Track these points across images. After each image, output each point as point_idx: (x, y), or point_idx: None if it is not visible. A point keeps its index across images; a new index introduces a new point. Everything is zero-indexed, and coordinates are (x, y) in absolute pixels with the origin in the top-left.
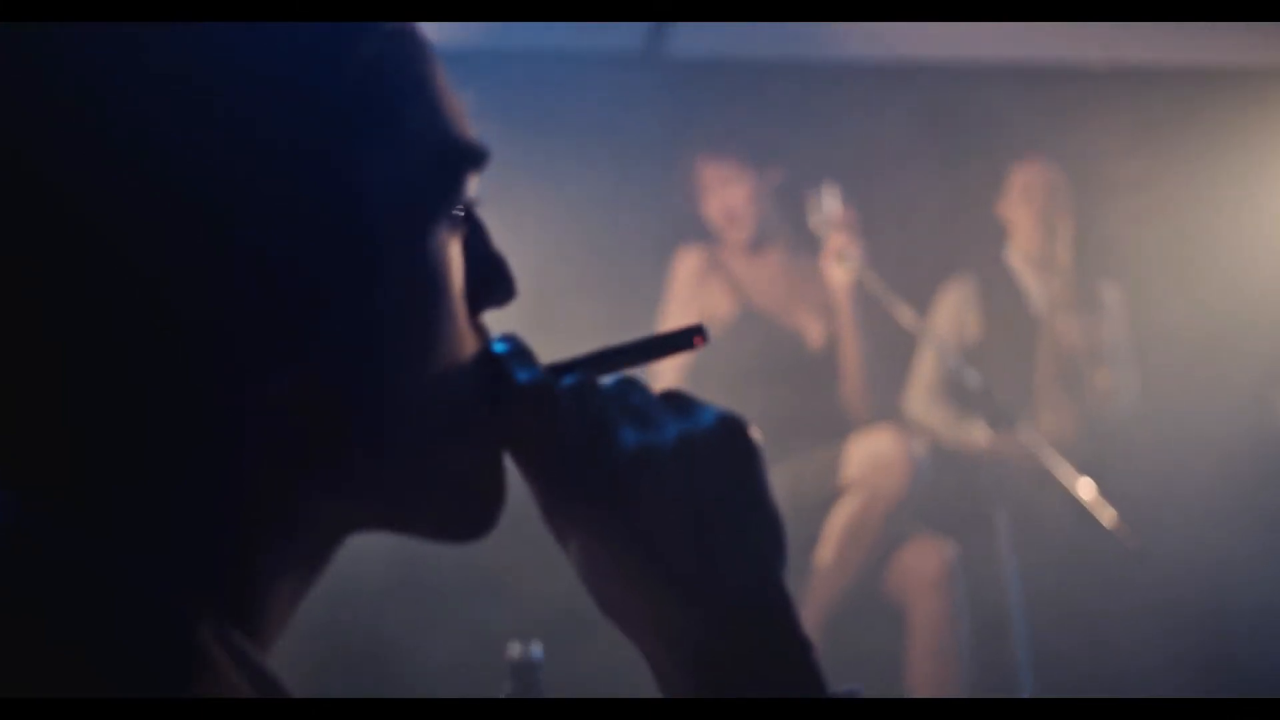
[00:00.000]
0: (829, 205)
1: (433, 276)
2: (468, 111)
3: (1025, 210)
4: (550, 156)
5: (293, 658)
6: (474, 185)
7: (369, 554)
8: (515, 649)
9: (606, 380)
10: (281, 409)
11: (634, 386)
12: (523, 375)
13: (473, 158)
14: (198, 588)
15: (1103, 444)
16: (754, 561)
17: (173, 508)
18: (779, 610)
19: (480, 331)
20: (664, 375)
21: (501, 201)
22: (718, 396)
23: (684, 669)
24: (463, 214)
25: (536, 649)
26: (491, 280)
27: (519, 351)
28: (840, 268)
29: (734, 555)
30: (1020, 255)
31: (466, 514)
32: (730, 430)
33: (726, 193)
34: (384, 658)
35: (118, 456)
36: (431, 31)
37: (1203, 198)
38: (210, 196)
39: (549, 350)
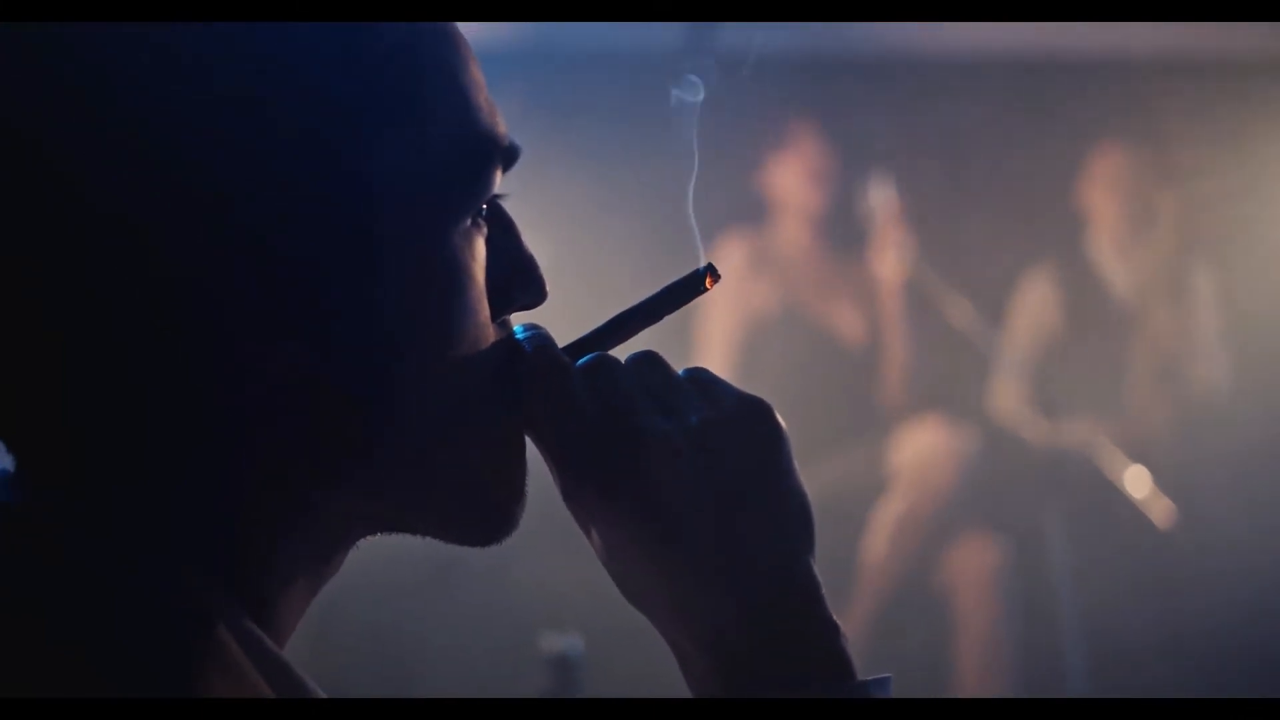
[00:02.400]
0: (879, 196)
1: (446, 272)
2: (499, 107)
3: (1108, 198)
4: (596, 149)
5: (303, 649)
6: (499, 180)
7: (385, 543)
8: (551, 642)
9: (626, 359)
10: (282, 407)
11: (655, 365)
12: (537, 355)
13: (499, 153)
14: (199, 586)
15: (1195, 439)
16: (779, 545)
17: (173, 507)
18: (805, 593)
19: (506, 331)
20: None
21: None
22: (764, 391)
23: (708, 653)
24: (489, 210)
25: (575, 642)
26: (518, 281)
27: (537, 336)
28: (889, 260)
29: (758, 539)
30: (1104, 244)
31: (476, 517)
32: (753, 414)
33: (808, 158)
34: (398, 649)
35: (118, 456)
36: (469, 29)
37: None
38: (211, 195)
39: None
